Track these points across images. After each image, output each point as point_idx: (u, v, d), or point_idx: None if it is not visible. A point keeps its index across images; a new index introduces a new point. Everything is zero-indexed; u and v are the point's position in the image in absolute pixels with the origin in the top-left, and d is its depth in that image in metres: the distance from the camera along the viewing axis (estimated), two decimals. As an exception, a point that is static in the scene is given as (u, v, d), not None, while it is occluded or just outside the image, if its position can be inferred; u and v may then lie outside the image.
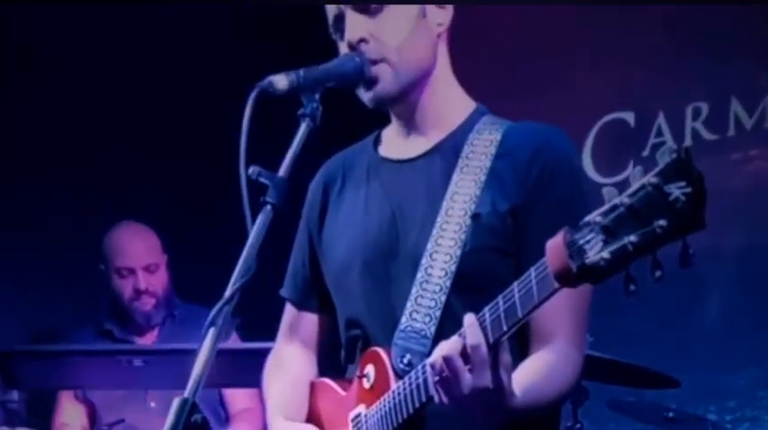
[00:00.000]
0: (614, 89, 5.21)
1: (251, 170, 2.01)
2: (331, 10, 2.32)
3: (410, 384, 2.07)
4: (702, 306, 4.91)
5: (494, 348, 1.92)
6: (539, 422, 2.21)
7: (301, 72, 2.14)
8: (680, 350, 4.80)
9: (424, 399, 2.05)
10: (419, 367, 2.06)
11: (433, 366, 1.97)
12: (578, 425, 3.86)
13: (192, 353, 1.91)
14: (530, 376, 2.09)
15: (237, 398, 4.45)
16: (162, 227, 4.66)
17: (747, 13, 4.80)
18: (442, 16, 2.33)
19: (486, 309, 1.93)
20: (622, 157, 5.06)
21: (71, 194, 5.23)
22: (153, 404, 4.32)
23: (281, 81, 2.11)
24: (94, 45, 5.25)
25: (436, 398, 2.00)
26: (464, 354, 1.93)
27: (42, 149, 5.22)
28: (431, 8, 2.32)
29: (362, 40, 2.26)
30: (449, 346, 1.95)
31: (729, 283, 4.86)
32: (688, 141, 5.01)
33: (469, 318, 1.94)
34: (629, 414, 4.48)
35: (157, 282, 4.51)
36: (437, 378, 1.97)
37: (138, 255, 4.51)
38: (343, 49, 2.30)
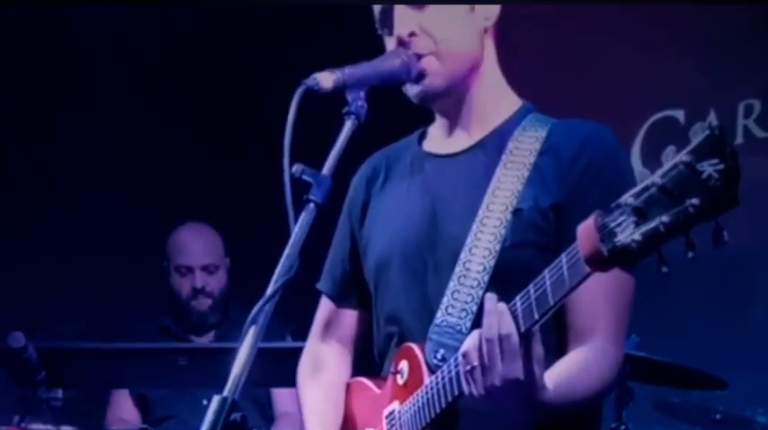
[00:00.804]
0: (665, 86, 5.16)
1: (294, 168, 2.00)
2: (377, 4, 2.31)
3: (443, 378, 2.06)
4: (752, 306, 4.86)
5: (525, 338, 1.90)
6: (579, 421, 2.18)
7: (347, 69, 2.14)
8: (728, 351, 4.75)
9: (456, 393, 2.03)
10: (451, 360, 2.05)
11: (464, 356, 1.96)
12: (623, 426, 3.83)
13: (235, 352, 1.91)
14: (564, 371, 2.08)
15: (282, 399, 4.46)
16: (226, 231, 4.71)
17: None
18: (489, 10, 2.32)
19: (518, 297, 1.91)
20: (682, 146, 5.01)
21: (143, 195, 5.29)
22: (205, 401, 4.33)
23: (326, 79, 2.11)
24: (147, 46, 5.33)
25: (466, 390, 1.98)
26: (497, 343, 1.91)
27: (109, 150, 5.31)
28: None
29: (412, 34, 2.25)
30: (483, 332, 1.93)
31: (779, 283, 4.82)
32: (740, 139, 4.97)
33: (501, 307, 1.93)
34: (676, 415, 4.44)
35: (215, 283, 4.57)
36: (468, 367, 1.95)
37: (198, 254, 4.58)
38: (390, 43, 2.30)
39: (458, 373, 2.01)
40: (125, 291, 5.16)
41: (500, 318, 1.91)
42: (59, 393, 3.56)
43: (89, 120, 5.28)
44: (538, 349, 1.92)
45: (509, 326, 1.90)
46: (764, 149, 4.90)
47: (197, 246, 4.60)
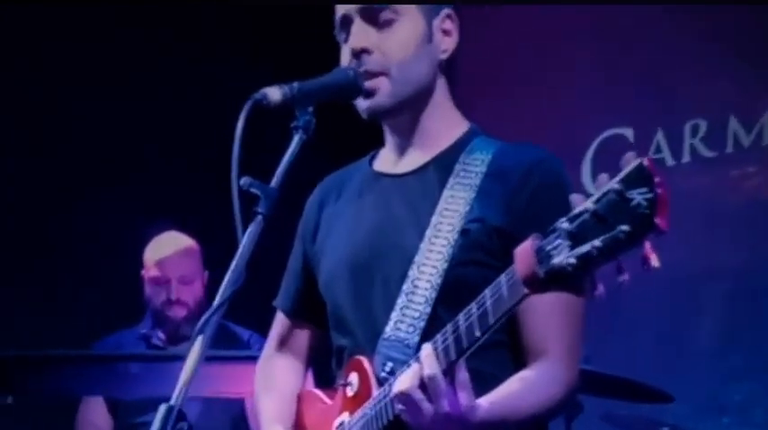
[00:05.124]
0: (614, 105, 5.24)
1: (243, 181, 2.05)
2: (339, 10, 2.36)
3: (390, 392, 2.11)
4: (699, 322, 4.93)
5: (450, 372, 1.98)
6: None
7: (295, 85, 2.18)
8: (676, 365, 4.82)
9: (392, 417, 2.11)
10: (392, 380, 2.11)
11: (397, 396, 2.04)
12: (571, 438, 3.88)
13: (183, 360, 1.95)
14: (505, 391, 2.14)
15: None
16: (208, 245, 4.61)
17: (747, 31, 4.84)
18: (447, 43, 2.37)
19: (461, 314, 1.97)
20: (616, 171, 5.07)
21: (119, 199, 5.22)
22: None
23: (274, 93, 2.15)
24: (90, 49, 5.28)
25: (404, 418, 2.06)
26: (422, 385, 2.00)
27: (88, 155, 5.25)
28: (438, 35, 2.36)
29: (365, 51, 2.30)
30: (406, 379, 2.02)
31: (727, 300, 4.88)
32: (686, 158, 5.05)
33: (426, 349, 2.01)
34: (624, 428, 4.49)
35: (190, 293, 4.49)
36: (401, 408, 2.04)
37: (175, 265, 4.50)
38: (345, 52, 2.35)
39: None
40: (102, 301, 5.07)
41: (426, 360, 2.00)
42: (9, 399, 3.55)
43: (63, 135, 5.23)
44: (462, 375, 1.99)
45: (432, 368, 1.98)
46: (711, 169, 4.99)
47: (175, 257, 4.52)
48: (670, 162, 5.06)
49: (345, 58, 2.34)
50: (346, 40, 2.34)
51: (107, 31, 5.21)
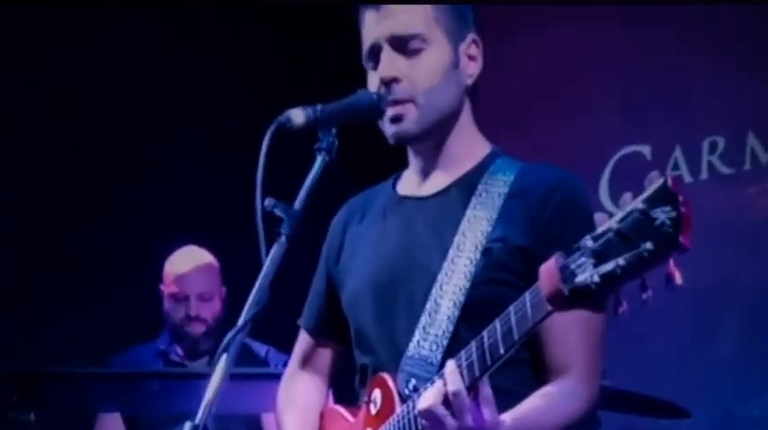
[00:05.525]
0: (631, 122, 5.24)
1: (267, 202, 2.10)
2: (368, 38, 2.40)
3: (413, 409, 2.15)
4: (717, 338, 4.93)
5: (474, 388, 2.01)
6: None
7: (318, 107, 2.22)
8: (694, 380, 4.82)
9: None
10: (416, 396, 2.15)
11: (421, 413, 2.07)
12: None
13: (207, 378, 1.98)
14: (527, 408, 2.17)
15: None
16: (226, 261, 4.64)
17: (765, 47, 4.85)
18: (472, 68, 2.42)
19: (485, 331, 2.01)
20: (639, 190, 5.07)
21: (139, 211, 5.27)
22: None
23: (298, 116, 2.19)
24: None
25: None
26: (446, 401, 2.03)
27: (105, 168, 5.28)
28: (464, 60, 2.40)
29: (395, 80, 2.34)
30: (431, 395, 2.05)
31: (744, 315, 4.89)
32: (704, 175, 5.05)
33: (450, 366, 2.04)
34: (642, 443, 4.50)
35: (209, 310, 4.54)
36: (425, 424, 2.07)
37: (194, 282, 4.54)
38: (372, 78, 2.39)
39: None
40: (122, 317, 5.09)
41: (450, 376, 2.03)
42: (31, 416, 3.58)
43: (85, 148, 5.26)
44: (486, 392, 2.03)
45: (456, 384, 2.02)
46: (728, 185, 4.99)
47: (194, 273, 4.55)
48: (688, 179, 5.06)
49: (374, 85, 2.38)
50: (375, 68, 2.39)
51: (107, 31, 5.23)
